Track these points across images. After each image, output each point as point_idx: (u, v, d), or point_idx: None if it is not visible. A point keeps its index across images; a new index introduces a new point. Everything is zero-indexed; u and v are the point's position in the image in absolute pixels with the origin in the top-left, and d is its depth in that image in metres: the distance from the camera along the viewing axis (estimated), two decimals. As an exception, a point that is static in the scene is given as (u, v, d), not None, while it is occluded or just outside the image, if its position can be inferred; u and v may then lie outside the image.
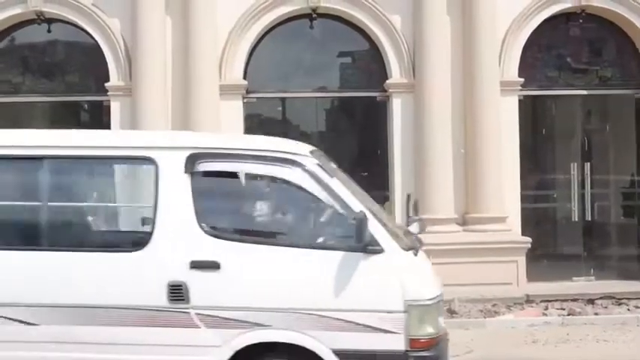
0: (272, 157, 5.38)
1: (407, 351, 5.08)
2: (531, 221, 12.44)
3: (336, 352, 5.09)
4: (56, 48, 12.74)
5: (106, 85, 11.95)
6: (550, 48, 12.63)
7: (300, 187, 5.34)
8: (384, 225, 5.36)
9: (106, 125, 12.00)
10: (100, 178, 6.16)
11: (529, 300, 11.37)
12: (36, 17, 12.13)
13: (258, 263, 5.20)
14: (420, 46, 11.86)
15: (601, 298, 11.40)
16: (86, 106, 13.20)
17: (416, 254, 5.40)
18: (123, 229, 6.20)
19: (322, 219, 5.49)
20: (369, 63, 12.62)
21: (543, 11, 12.18)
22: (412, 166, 11.87)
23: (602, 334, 9.54)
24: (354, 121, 13.58)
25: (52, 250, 5.39)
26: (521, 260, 11.70)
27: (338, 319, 5.09)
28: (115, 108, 11.92)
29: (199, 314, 5.15)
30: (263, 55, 12.35)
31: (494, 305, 11.01)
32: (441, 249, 10.63)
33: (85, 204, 6.07)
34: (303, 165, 5.35)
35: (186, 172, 5.29)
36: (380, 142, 12.35)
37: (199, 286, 5.15)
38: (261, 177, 5.43)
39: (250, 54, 12.18)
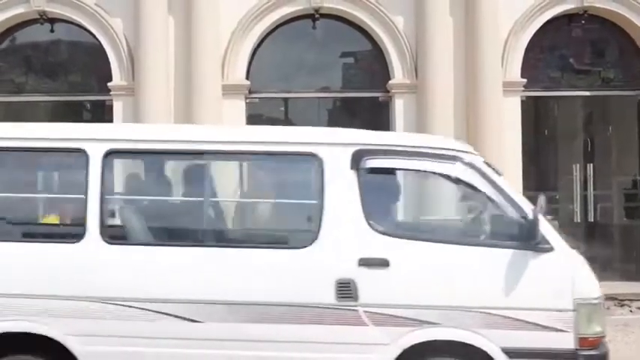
0: (439, 154, 5.31)
1: (576, 349, 5.05)
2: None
3: (506, 351, 5.04)
4: (59, 48, 12.77)
5: (109, 84, 11.97)
6: (552, 49, 12.62)
7: (467, 185, 5.34)
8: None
9: (109, 125, 12.04)
10: (263, 174, 6.14)
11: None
12: (39, 17, 12.18)
13: (426, 261, 5.16)
14: (423, 47, 11.87)
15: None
16: (89, 105, 13.23)
17: (580, 253, 5.38)
18: (289, 225, 6.02)
19: (489, 216, 5.46)
20: (372, 63, 12.63)
21: (546, 12, 12.18)
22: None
23: (604, 335, 9.53)
24: (356, 121, 13.52)
25: (217, 247, 5.35)
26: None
27: (508, 317, 5.04)
28: (118, 107, 11.94)
29: (367, 312, 5.08)
30: (266, 55, 12.36)
31: None
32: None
33: (250, 200, 6.04)
34: (471, 162, 5.30)
35: (351, 168, 5.23)
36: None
37: (368, 283, 5.08)
38: (427, 174, 5.44)
39: (253, 54, 12.20)
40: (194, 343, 5.13)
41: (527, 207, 5.15)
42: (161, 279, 5.16)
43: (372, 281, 5.08)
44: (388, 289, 5.09)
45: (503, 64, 12.01)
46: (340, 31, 12.47)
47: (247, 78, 12.13)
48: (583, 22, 12.44)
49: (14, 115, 12.95)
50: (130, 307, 5.10)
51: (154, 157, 5.61)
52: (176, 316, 5.12)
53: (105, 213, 5.25)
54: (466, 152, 5.39)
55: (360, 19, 12.11)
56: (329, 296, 5.08)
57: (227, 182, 5.85)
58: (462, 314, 5.05)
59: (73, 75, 12.61)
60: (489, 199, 5.29)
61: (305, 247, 5.19)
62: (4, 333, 5.15)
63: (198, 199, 5.62)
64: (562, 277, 5.10)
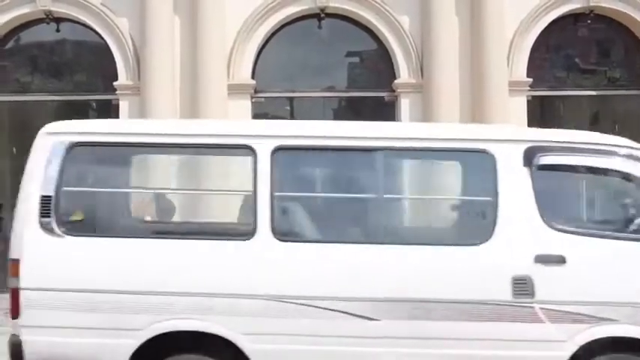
0: (611, 150, 5.35)
1: None
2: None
3: None
4: (65, 47, 12.80)
5: (115, 84, 12.00)
6: (558, 48, 12.62)
7: (632, 179, 5.34)
8: None
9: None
10: (436, 171, 6.10)
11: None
12: (44, 16, 12.21)
13: (602, 257, 5.14)
14: (429, 47, 11.86)
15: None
16: (95, 105, 13.23)
17: None
18: (462, 223, 5.97)
19: None
20: (377, 63, 12.63)
21: (551, 12, 12.17)
22: (420, 166, 11.86)
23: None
24: (362, 120, 13.54)
25: (393, 245, 5.27)
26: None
27: None
28: (124, 107, 11.96)
29: (544, 309, 5.06)
30: (271, 54, 12.37)
31: None
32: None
33: (423, 197, 5.98)
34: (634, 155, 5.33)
35: (524, 165, 5.24)
36: (388, 142, 12.32)
37: (544, 280, 5.07)
38: (601, 171, 5.40)
39: (258, 53, 12.21)
40: (369, 341, 5.08)
41: None
42: (334, 277, 5.11)
43: (549, 278, 5.07)
44: (565, 286, 5.08)
45: (509, 63, 12.01)
46: (346, 31, 12.48)
47: (253, 77, 12.14)
48: (589, 21, 12.44)
49: (20, 115, 12.99)
50: (302, 305, 5.06)
51: (323, 153, 5.51)
52: (350, 314, 5.07)
53: (275, 210, 5.19)
54: (628, 147, 5.42)
55: (366, 18, 12.12)
56: (505, 293, 5.07)
57: (399, 179, 5.79)
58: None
59: (78, 74, 12.63)
60: None
61: (480, 244, 5.17)
62: (172, 332, 5.10)
63: (371, 196, 5.58)
64: None
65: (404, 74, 12.09)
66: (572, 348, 5.06)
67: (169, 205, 6.52)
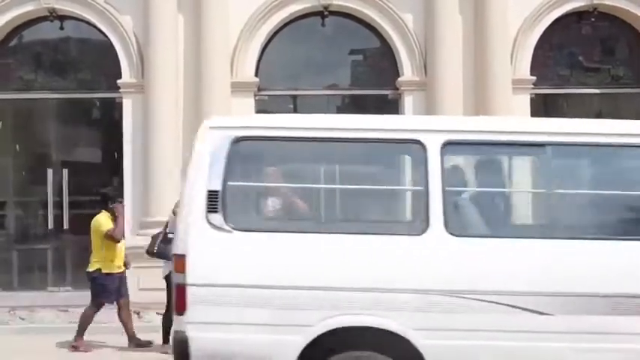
0: None
1: None
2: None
3: None
4: (68, 45, 12.82)
5: (118, 82, 12.00)
6: (562, 46, 12.62)
7: None
8: None
9: (118, 122, 12.05)
10: (602, 166, 5.87)
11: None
12: (48, 14, 12.20)
13: None
14: (432, 44, 11.87)
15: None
16: (98, 103, 13.25)
17: None
18: (625, 215, 5.81)
19: None
20: (381, 61, 12.64)
21: (555, 10, 12.17)
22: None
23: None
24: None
25: (567, 240, 5.20)
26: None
27: None
28: (127, 105, 11.97)
29: None
30: (275, 52, 12.38)
31: None
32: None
33: (593, 192, 5.87)
34: None
35: None
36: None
37: None
38: None
39: (262, 51, 12.21)
40: (542, 336, 5.02)
41: None
42: (507, 272, 5.06)
43: None
44: None
45: (513, 61, 12.01)
46: (349, 29, 12.49)
47: (256, 75, 12.15)
48: (592, 19, 12.42)
49: (23, 113, 13.01)
50: (476, 300, 5.01)
51: (491, 148, 5.48)
52: (523, 309, 5.00)
53: (447, 205, 5.14)
54: None
55: (369, 16, 12.12)
56: None
57: (569, 173, 5.71)
58: None
59: (82, 72, 12.63)
60: None
61: None
62: (339, 329, 5.03)
63: (540, 190, 5.57)
64: None
65: (407, 72, 12.10)
66: None
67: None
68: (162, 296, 9.04)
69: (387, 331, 5.01)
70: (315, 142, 5.42)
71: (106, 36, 12.10)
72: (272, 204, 5.74)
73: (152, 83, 11.66)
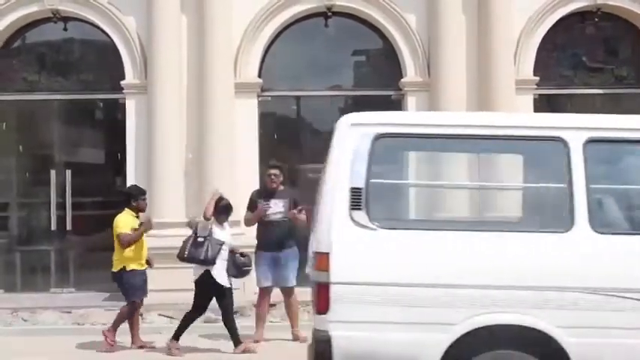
0: None
1: None
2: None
3: None
4: (72, 46, 12.82)
5: (122, 83, 11.99)
6: (565, 47, 12.61)
7: None
8: None
9: (121, 123, 12.05)
10: None
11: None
12: (52, 15, 12.21)
13: None
14: (435, 45, 11.85)
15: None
16: (101, 104, 13.26)
17: None
18: None
19: None
20: (384, 61, 12.63)
21: (559, 10, 12.15)
22: (427, 164, 11.87)
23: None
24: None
25: None
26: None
27: None
28: (130, 106, 11.97)
29: None
30: (278, 53, 12.38)
31: None
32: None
33: None
34: None
35: None
36: (394, 140, 12.32)
37: None
38: None
39: (265, 52, 12.21)
40: None
41: None
42: None
43: None
44: None
45: (516, 62, 11.99)
46: (352, 29, 12.48)
47: (259, 76, 12.14)
48: (596, 19, 12.41)
49: (26, 114, 13.02)
50: (621, 297, 4.99)
51: (635, 145, 5.40)
52: None
53: (591, 202, 5.12)
54: None
55: (373, 17, 12.11)
56: None
57: None
58: None
59: (85, 73, 12.62)
60: None
61: None
62: (485, 326, 5.00)
63: None
64: None
65: (411, 73, 12.09)
66: None
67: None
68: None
69: (533, 329, 4.99)
70: (456, 140, 5.43)
71: (109, 37, 12.11)
72: (416, 201, 5.69)
73: (155, 84, 11.65)
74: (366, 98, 12.93)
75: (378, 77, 12.75)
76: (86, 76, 12.58)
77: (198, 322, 10.29)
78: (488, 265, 5.07)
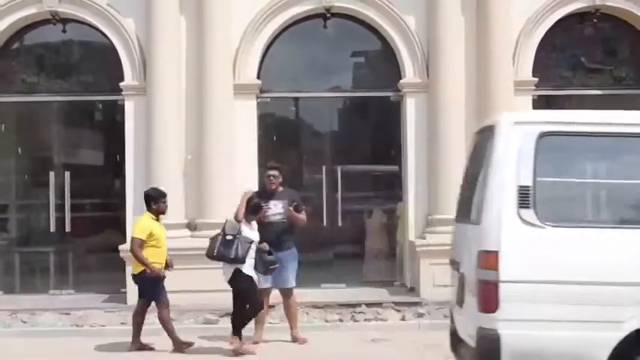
0: None
1: None
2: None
3: None
4: (71, 48, 12.83)
5: (121, 84, 11.99)
6: (564, 48, 12.60)
7: None
8: None
9: (120, 125, 12.05)
10: None
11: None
12: (51, 17, 12.20)
13: None
14: (434, 46, 11.86)
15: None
16: (100, 105, 13.26)
17: None
18: None
19: None
20: (383, 63, 12.63)
21: (557, 11, 12.15)
22: (426, 165, 11.87)
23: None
24: (367, 120, 13.57)
25: None
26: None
27: None
28: (129, 107, 11.96)
29: None
30: (277, 54, 12.38)
31: None
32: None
33: None
34: None
35: None
36: (393, 141, 12.35)
37: None
38: None
39: (264, 53, 12.21)
40: None
41: None
42: None
43: None
44: None
45: (515, 63, 12.00)
46: (351, 31, 12.48)
47: (258, 77, 12.14)
48: (595, 20, 12.41)
49: (25, 115, 13.02)
50: None
51: None
52: None
53: None
54: None
55: (372, 18, 12.12)
56: None
57: None
58: None
59: (84, 75, 12.61)
60: None
61: None
62: None
63: None
64: None
65: (409, 74, 12.09)
66: None
67: None
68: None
69: None
70: (622, 138, 5.41)
71: (108, 39, 12.10)
72: (585, 199, 5.69)
73: (154, 86, 11.65)
74: (364, 99, 12.98)
75: (377, 78, 12.76)
76: (85, 78, 12.57)
77: (198, 324, 10.31)
78: None
